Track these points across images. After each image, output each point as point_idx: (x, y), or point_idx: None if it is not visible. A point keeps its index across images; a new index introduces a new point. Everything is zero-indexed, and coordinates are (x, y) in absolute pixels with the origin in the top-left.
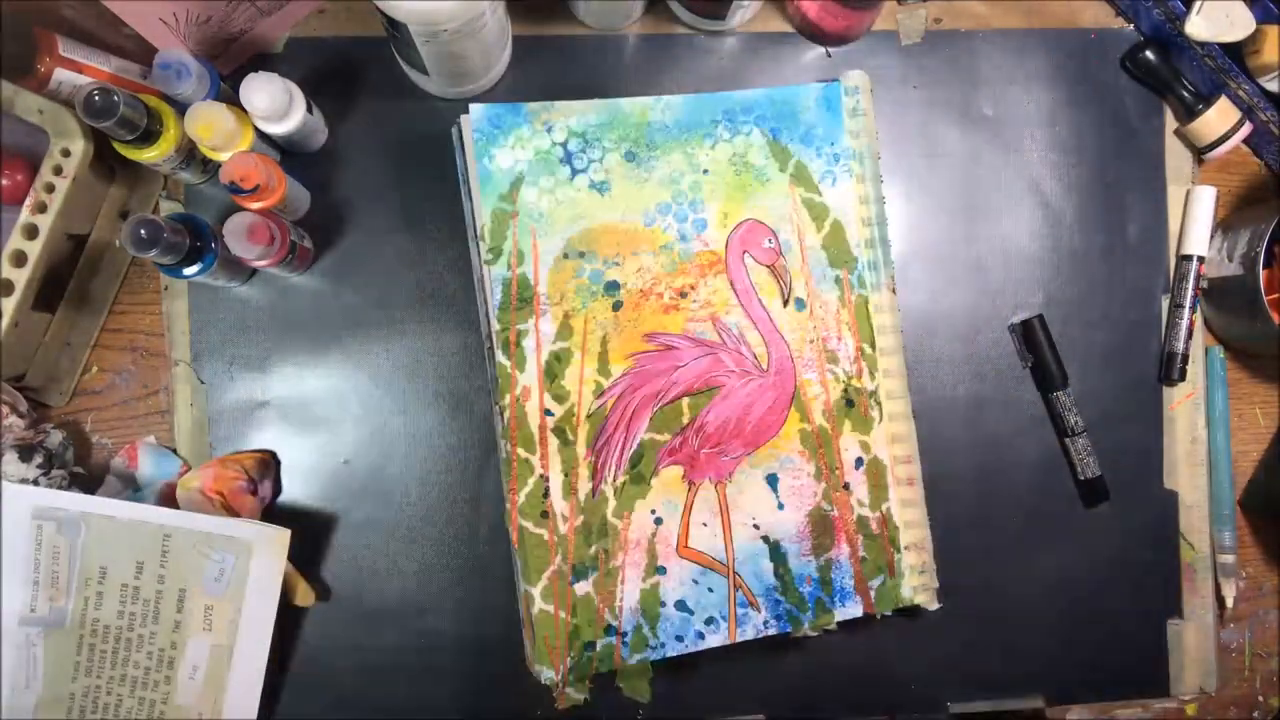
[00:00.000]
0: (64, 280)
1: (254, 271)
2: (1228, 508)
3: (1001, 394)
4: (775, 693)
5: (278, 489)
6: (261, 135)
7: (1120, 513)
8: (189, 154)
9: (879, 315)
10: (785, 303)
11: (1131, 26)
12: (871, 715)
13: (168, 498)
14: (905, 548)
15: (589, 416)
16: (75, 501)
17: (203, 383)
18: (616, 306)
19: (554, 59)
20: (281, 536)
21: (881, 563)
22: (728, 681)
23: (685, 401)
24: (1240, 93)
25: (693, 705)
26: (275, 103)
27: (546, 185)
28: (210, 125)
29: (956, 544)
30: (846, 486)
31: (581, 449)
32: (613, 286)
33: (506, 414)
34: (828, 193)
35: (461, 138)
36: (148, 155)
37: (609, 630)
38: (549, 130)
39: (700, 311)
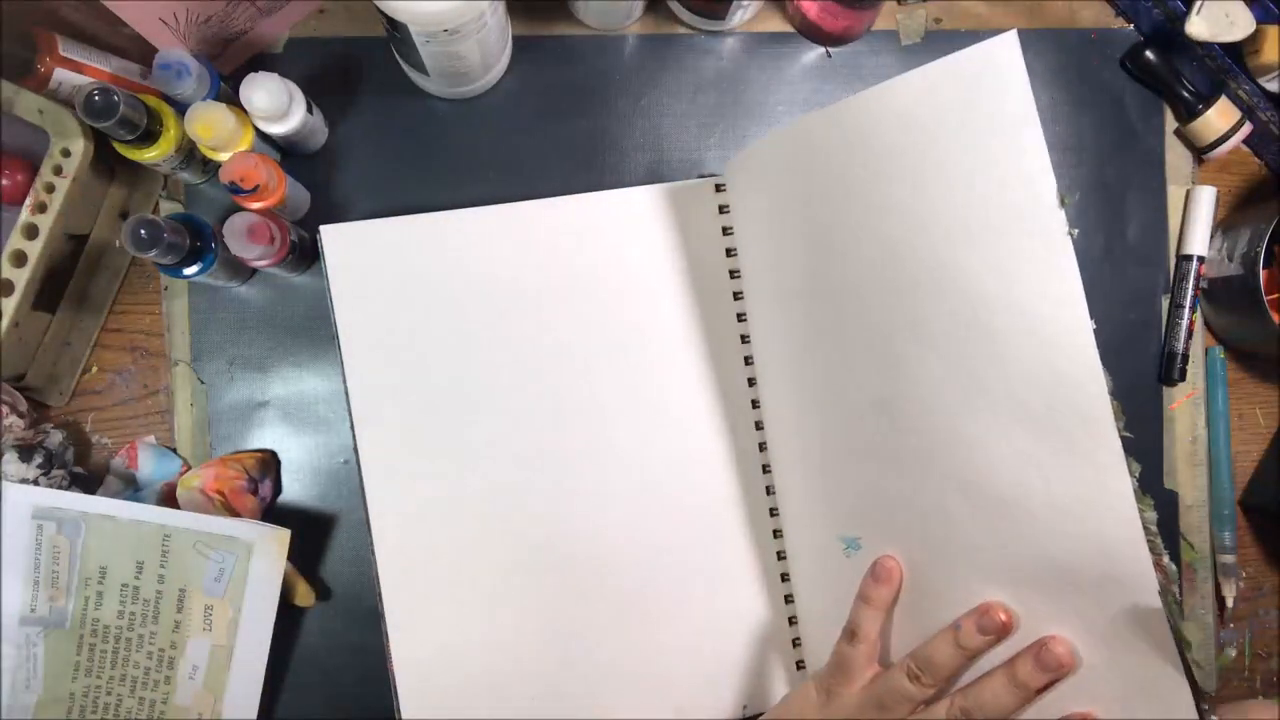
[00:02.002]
0: (64, 280)
1: (254, 271)
2: (1228, 508)
3: None
4: None
5: (278, 489)
6: (261, 135)
7: None
8: (189, 154)
9: None
10: None
11: (1131, 26)
12: None
13: (168, 498)
14: None
15: None
16: (75, 501)
17: (203, 383)
18: None
19: (554, 59)
20: (281, 536)
21: None
22: None
23: None
24: (1240, 93)
25: None
26: (275, 103)
27: None
28: (210, 125)
29: None
30: None
31: None
32: None
33: None
34: None
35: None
36: (148, 155)
37: None
38: None
39: None
